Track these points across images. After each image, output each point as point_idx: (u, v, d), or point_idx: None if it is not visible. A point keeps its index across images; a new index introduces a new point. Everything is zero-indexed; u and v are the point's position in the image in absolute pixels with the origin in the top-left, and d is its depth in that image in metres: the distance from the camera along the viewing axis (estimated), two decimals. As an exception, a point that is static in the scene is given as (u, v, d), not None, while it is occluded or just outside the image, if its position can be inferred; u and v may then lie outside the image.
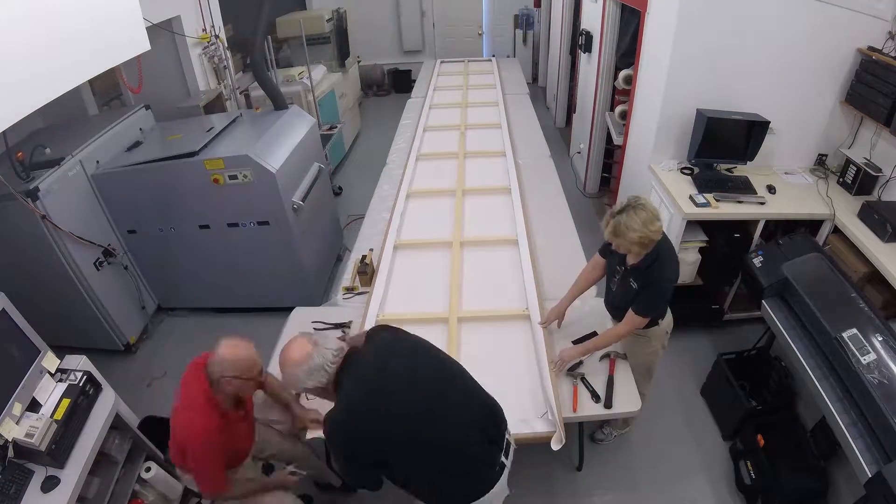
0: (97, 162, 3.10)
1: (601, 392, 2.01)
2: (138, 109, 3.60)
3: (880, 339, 1.94)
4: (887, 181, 2.74)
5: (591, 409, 1.97)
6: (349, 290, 2.63)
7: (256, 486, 1.93)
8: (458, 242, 2.80)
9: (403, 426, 1.44)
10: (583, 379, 2.06)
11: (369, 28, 7.78)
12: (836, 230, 2.76)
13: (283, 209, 3.14)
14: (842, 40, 2.81)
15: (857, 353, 1.92)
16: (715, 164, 3.14)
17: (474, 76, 5.73)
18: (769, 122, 2.86)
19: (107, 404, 2.04)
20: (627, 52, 3.97)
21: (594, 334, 2.23)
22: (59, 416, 1.83)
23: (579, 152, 5.21)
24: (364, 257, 2.70)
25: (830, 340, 2.04)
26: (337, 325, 2.38)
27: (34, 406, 1.84)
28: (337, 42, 6.36)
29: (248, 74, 5.28)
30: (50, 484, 1.73)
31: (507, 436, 1.63)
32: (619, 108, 4.03)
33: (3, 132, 2.50)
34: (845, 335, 1.99)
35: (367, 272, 2.63)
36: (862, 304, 2.09)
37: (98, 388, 2.05)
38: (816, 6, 2.71)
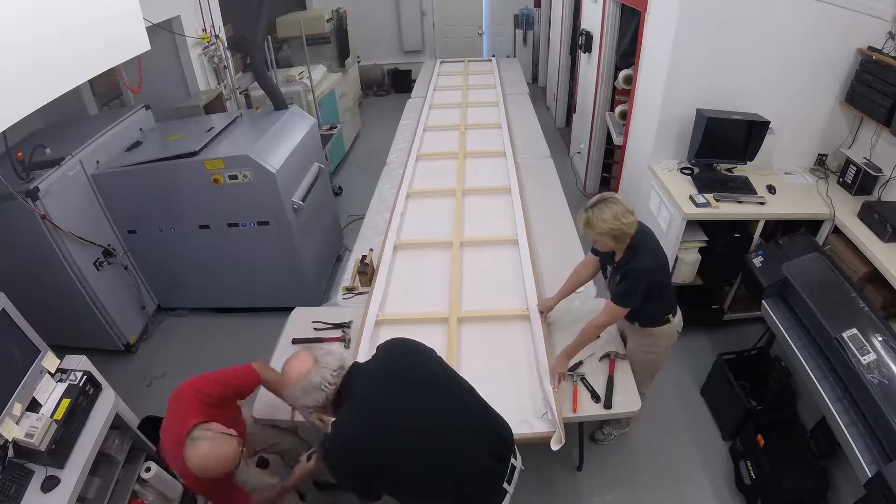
0: (97, 162, 3.10)
1: (601, 392, 2.01)
2: (138, 109, 3.60)
3: (880, 339, 1.94)
4: (887, 181, 2.74)
5: (590, 410, 1.97)
6: (349, 290, 2.63)
7: (281, 487, 1.88)
8: (458, 242, 2.80)
9: (401, 452, 1.40)
10: (583, 379, 2.06)
11: (369, 28, 7.78)
12: (836, 230, 2.76)
13: (283, 209, 3.14)
14: (842, 40, 2.81)
15: (857, 353, 1.92)
16: (715, 164, 3.14)
17: (474, 76, 5.73)
18: (769, 122, 2.86)
19: (107, 404, 2.04)
20: (627, 52, 3.97)
21: None
22: (59, 416, 1.83)
23: (579, 152, 5.21)
24: (364, 257, 2.70)
25: (830, 340, 2.03)
26: (337, 325, 2.38)
27: (34, 406, 1.84)
28: (337, 42, 6.36)
29: (248, 74, 5.28)
30: (50, 484, 1.73)
31: (512, 460, 1.57)
32: (619, 108, 4.03)
33: (3, 132, 2.50)
34: (845, 335, 1.99)
35: (367, 272, 2.63)
36: (862, 304, 2.09)
37: (98, 388, 2.05)
38: (816, 6, 2.71)
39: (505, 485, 1.52)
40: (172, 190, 3.11)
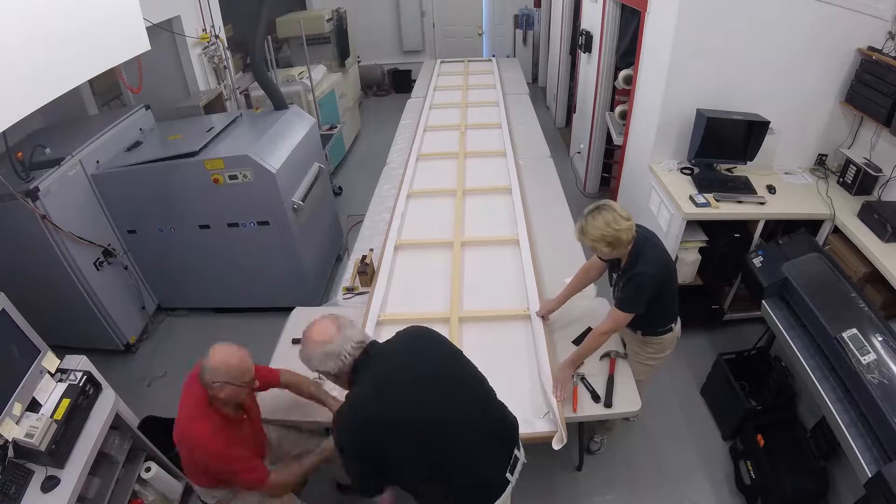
0: (97, 162, 3.10)
1: (601, 392, 2.01)
2: (138, 109, 3.60)
3: (880, 339, 1.94)
4: (887, 181, 2.74)
5: (591, 410, 1.97)
6: (349, 290, 2.63)
7: (304, 466, 1.87)
8: (458, 242, 2.80)
9: (410, 436, 1.41)
10: (583, 379, 2.06)
11: (369, 28, 7.78)
12: (836, 230, 2.76)
13: (283, 209, 3.14)
14: (842, 40, 2.81)
15: (857, 353, 1.92)
16: (715, 164, 3.14)
17: (474, 76, 5.73)
18: (769, 122, 2.86)
19: (107, 404, 2.04)
20: (627, 52, 3.97)
21: (590, 330, 2.23)
22: (59, 416, 1.82)
23: (579, 152, 5.21)
24: (364, 257, 2.70)
25: (830, 340, 2.04)
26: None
27: (34, 406, 1.84)
28: (337, 42, 6.36)
29: (248, 74, 5.28)
30: (50, 484, 1.73)
31: (516, 451, 1.59)
32: (619, 108, 4.03)
33: (3, 132, 2.50)
34: (845, 335, 1.99)
35: (367, 272, 2.63)
36: (862, 304, 2.09)
37: (98, 388, 2.05)
38: (816, 6, 2.71)
39: (507, 474, 1.54)
40: (172, 190, 3.11)
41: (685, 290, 3.15)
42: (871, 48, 2.77)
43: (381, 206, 3.29)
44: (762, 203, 2.87)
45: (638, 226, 1.95)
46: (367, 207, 3.35)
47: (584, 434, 2.52)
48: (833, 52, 2.84)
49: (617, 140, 4.09)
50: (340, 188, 5.34)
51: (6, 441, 1.71)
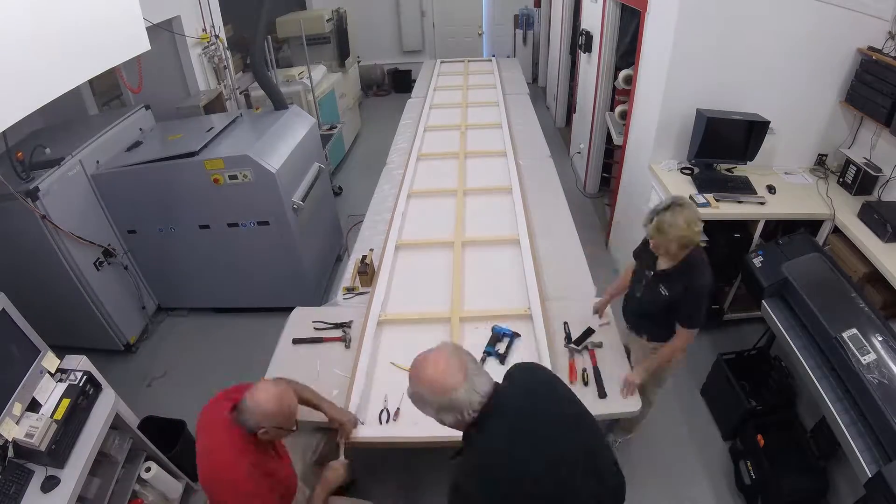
0: (97, 162, 3.10)
1: (593, 386, 2.01)
2: (138, 109, 3.60)
3: (880, 339, 1.94)
4: (887, 181, 2.74)
5: (590, 409, 1.96)
6: (349, 290, 2.63)
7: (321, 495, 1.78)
8: (459, 242, 2.80)
9: (535, 494, 1.24)
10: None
11: (369, 28, 7.78)
12: (836, 230, 2.76)
13: (283, 209, 3.14)
14: (842, 40, 2.81)
15: (857, 353, 1.92)
16: (715, 164, 3.14)
17: (474, 76, 5.73)
18: (769, 122, 2.86)
19: (107, 404, 2.04)
20: (627, 52, 3.98)
21: (590, 331, 2.24)
22: (59, 416, 1.82)
23: (579, 152, 5.21)
24: (364, 257, 2.70)
25: (830, 340, 2.04)
26: (337, 325, 2.38)
27: (34, 406, 1.84)
28: (337, 42, 6.36)
29: (248, 74, 5.28)
30: (50, 484, 1.73)
31: None
32: (619, 108, 4.03)
33: (3, 132, 2.50)
34: (845, 335, 1.99)
35: (367, 272, 2.63)
36: (862, 304, 2.09)
37: (98, 388, 2.05)
38: (816, 6, 2.71)
39: None
40: (172, 190, 3.11)
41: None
42: (871, 48, 2.77)
43: (381, 206, 3.29)
44: (762, 203, 2.87)
45: None
46: (367, 207, 3.35)
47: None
48: (833, 52, 2.84)
49: (617, 140, 4.09)
50: (340, 188, 5.34)
51: (6, 441, 1.71)
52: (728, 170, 3.15)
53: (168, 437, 2.45)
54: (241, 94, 4.80)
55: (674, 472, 2.56)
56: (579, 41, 4.88)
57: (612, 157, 4.69)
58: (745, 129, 2.94)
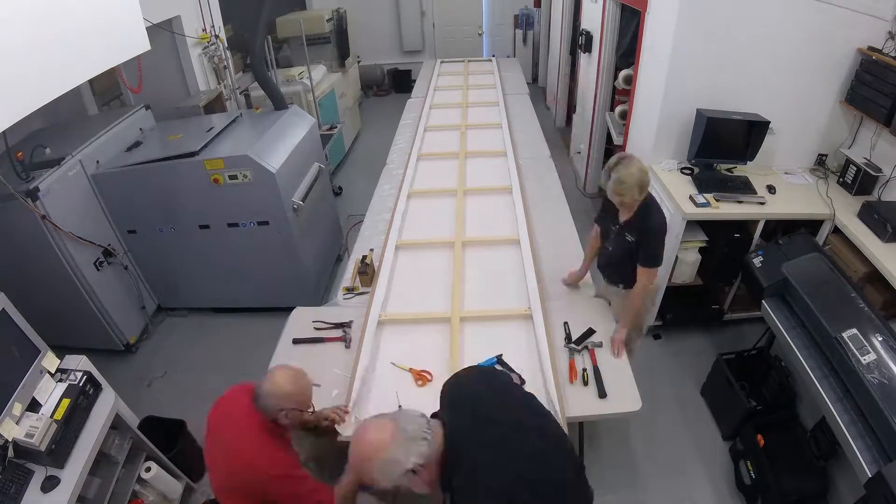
0: (97, 162, 3.10)
1: (593, 386, 2.01)
2: (138, 109, 3.60)
3: (880, 339, 1.94)
4: (887, 181, 2.74)
5: (590, 409, 1.96)
6: (350, 290, 2.63)
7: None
8: (459, 242, 2.80)
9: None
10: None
11: (369, 28, 7.78)
12: (836, 230, 2.76)
13: (282, 209, 3.14)
14: (842, 40, 2.81)
15: (857, 353, 1.92)
16: (715, 164, 3.14)
17: (474, 76, 5.73)
18: (769, 122, 2.86)
19: (107, 404, 2.04)
20: (627, 52, 3.97)
21: (591, 331, 2.24)
22: (59, 416, 1.83)
23: (579, 152, 5.21)
24: (364, 257, 2.70)
25: (830, 340, 2.04)
26: (337, 325, 2.38)
27: (34, 406, 1.84)
28: (337, 42, 6.36)
29: (248, 74, 5.28)
30: (50, 484, 1.73)
31: None
32: (619, 108, 4.03)
33: (3, 132, 2.50)
34: (845, 335, 1.99)
35: (367, 272, 2.63)
36: (862, 304, 2.09)
37: (98, 388, 2.05)
38: (816, 6, 2.71)
39: None
40: (172, 190, 3.11)
41: (685, 290, 3.18)
42: (871, 48, 2.77)
43: (381, 206, 3.29)
44: (762, 203, 2.87)
45: None
46: (367, 207, 3.35)
47: (584, 434, 2.51)
48: (833, 51, 2.84)
49: (617, 140, 4.09)
50: (340, 188, 5.34)
51: (6, 441, 1.71)
52: (728, 170, 3.15)
53: (168, 437, 2.45)
54: (241, 94, 4.80)
55: (674, 473, 2.56)
56: (579, 41, 4.88)
57: (612, 156, 4.68)
58: (745, 129, 2.94)
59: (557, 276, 2.58)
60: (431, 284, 2.57)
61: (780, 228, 2.99)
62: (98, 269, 3.08)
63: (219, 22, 4.60)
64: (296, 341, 2.32)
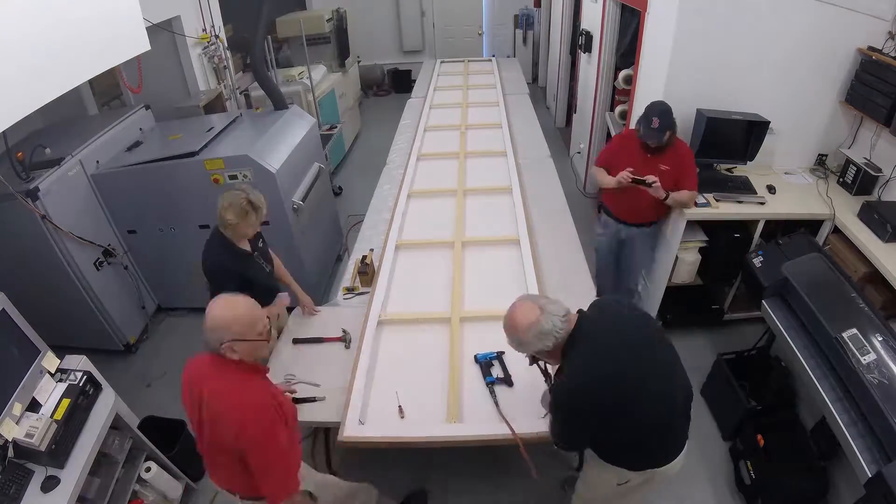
0: (97, 162, 3.10)
1: None
2: (138, 109, 3.60)
3: (880, 339, 1.94)
4: (887, 181, 2.74)
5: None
6: (350, 290, 2.63)
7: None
8: (459, 242, 2.80)
9: (626, 400, 1.51)
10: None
11: (369, 28, 7.79)
12: (836, 230, 2.76)
13: (283, 209, 3.14)
14: (842, 40, 2.81)
15: (857, 353, 1.92)
16: (715, 164, 3.14)
17: (474, 76, 5.73)
18: (769, 122, 2.86)
19: (107, 404, 2.04)
20: (627, 52, 3.97)
21: None
22: (59, 416, 1.83)
23: (579, 152, 5.21)
24: (364, 257, 2.70)
25: (830, 340, 2.03)
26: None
27: (34, 406, 1.84)
28: (337, 42, 6.36)
29: (248, 74, 5.28)
30: (50, 484, 1.73)
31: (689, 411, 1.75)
32: (619, 108, 4.03)
33: (3, 132, 2.50)
34: (845, 335, 1.99)
35: (367, 272, 2.63)
36: (862, 304, 2.08)
37: (98, 388, 2.05)
38: (816, 6, 2.71)
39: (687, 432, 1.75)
40: (172, 190, 3.11)
41: (685, 290, 3.18)
42: (871, 48, 2.77)
43: (381, 206, 3.29)
44: (762, 203, 2.87)
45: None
46: (367, 207, 3.35)
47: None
48: (833, 52, 2.84)
49: (617, 140, 4.09)
50: (340, 188, 5.34)
51: (6, 441, 1.71)
52: (728, 170, 3.15)
53: (168, 437, 2.45)
54: (241, 94, 4.80)
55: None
56: (579, 41, 4.88)
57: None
58: (745, 129, 2.94)
59: (557, 275, 2.58)
60: (431, 284, 2.57)
61: (780, 228, 2.98)
62: (98, 269, 3.08)
63: (219, 22, 4.60)
64: (296, 341, 2.32)
